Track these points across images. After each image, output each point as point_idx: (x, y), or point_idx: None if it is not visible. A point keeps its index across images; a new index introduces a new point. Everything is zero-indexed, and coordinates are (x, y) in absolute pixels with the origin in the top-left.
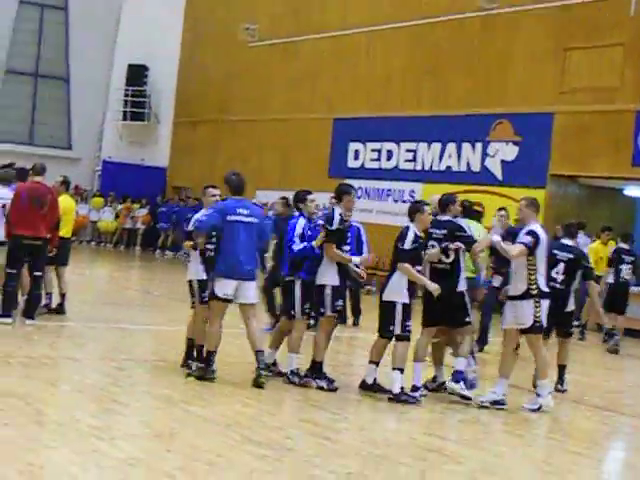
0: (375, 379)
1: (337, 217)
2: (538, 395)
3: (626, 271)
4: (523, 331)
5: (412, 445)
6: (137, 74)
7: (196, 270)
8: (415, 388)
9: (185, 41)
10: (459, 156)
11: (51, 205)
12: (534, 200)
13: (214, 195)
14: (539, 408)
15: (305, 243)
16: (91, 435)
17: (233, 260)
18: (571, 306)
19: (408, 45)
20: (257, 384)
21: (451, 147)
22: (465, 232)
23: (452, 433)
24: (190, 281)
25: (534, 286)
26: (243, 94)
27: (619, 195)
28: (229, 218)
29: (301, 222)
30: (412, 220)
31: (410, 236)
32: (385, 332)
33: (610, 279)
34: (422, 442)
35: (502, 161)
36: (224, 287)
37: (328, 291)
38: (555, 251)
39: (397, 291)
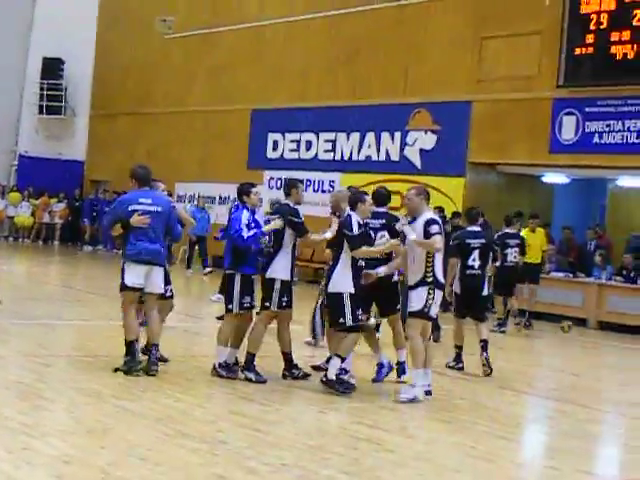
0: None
1: (354, 222)
2: (413, 386)
3: (512, 255)
4: (410, 314)
5: (344, 434)
6: (53, 67)
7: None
8: (344, 371)
9: (101, 33)
10: (378, 145)
11: None
12: (424, 189)
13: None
14: (413, 399)
15: (255, 230)
16: (21, 432)
17: (139, 246)
18: (486, 290)
19: (325, 36)
20: (149, 372)
21: (370, 137)
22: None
23: (382, 421)
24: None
25: (430, 274)
26: (162, 86)
27: (538, 182)
28: (131, 207)
29: (245, 214)
30: (353, 209)
31: (354, 222)
32: (337, 325)
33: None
34: (353, 431)
35: (421, 150)
36: (133, 276)
37: (277, 285)
38: (468, 240)
39: (342, 281)
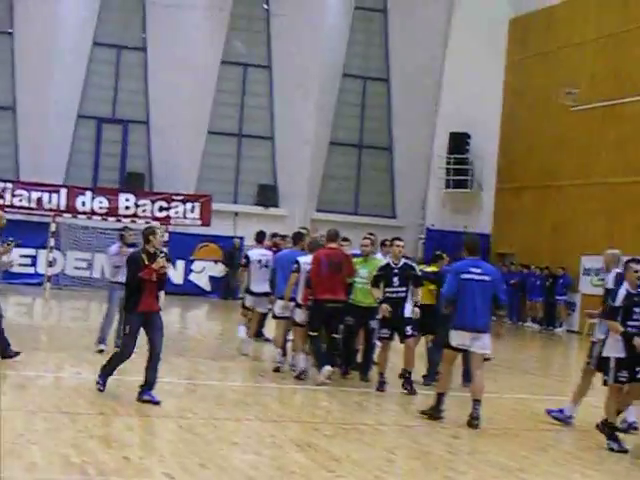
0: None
1: (621, 293)
2: None
3: None
4: None
5: None
6: (459, 142)
7: (614, 347)
8: None
9: (506, 107)
10: None
11: (346, 268)
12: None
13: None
14: None
15: None
16: None
17: (467, 314)
18: None
19: None
20: (471, 426)
21: None
22: None
23: None
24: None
25: None
26: (566, 159)
27: None
28: (463, 277)
29: None
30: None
31: (621, 292)
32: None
33: None
34: None
35: None
36: (458, 338)
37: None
38: None
39: (611, 346)
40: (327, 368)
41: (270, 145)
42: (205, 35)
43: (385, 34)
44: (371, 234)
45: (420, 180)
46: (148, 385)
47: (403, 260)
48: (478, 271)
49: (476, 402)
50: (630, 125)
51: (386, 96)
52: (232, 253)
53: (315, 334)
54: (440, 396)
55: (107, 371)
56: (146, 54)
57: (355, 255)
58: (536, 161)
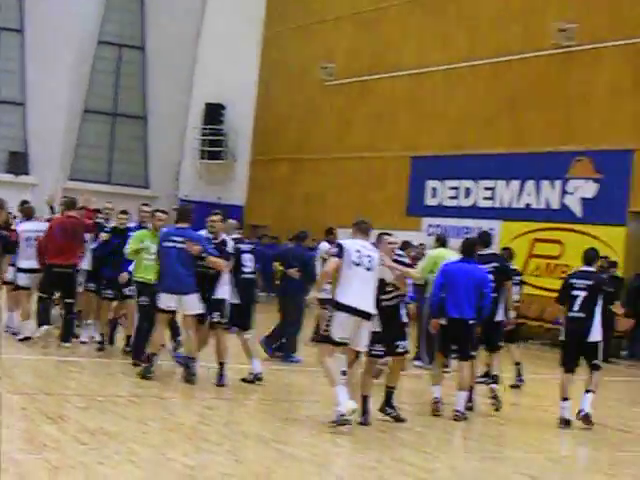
0: None
1: None
2: None
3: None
4: None
5: None
6: (214, 113)
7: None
8: None
9: (262, 80)
10: (538, 193)
11: (80, 235)
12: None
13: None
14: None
15: None
16: (186, 475)
17: (170, 279)
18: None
19: (485, 83)
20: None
21: (530, 184)
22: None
23: (546, 476)
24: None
25: None
26: (320, 132)
27: None
28: (165, 244)
29: None
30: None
31: None
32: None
33: None
34: None
35: (581, 198)
36: (166, 300)
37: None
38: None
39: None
40: (43, 328)
41: (21, 111)
42: None
43: (141, 1)
44: (109, 202)
45: (175, 150)
46: None
47: None
48: (180, 239)
49: (191, 359)
50: (382, 101)
51: (141, 65)
52: None
53: (44, 295)
54: (151, 356)
55: None
56: None
57: (131, 228)
58: (291, 134)
